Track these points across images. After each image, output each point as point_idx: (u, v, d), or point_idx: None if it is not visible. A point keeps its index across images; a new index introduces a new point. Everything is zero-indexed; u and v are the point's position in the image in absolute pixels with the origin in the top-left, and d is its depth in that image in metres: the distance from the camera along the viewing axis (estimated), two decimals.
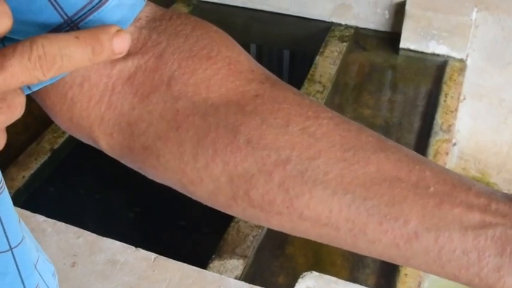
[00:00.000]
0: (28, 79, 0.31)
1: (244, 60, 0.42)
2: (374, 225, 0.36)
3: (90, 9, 0.37)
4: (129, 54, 0.40)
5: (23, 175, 1.60)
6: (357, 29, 2.13)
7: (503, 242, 0.33)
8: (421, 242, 0.35)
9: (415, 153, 0.38)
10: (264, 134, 0.38)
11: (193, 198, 0.41)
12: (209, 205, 0.41)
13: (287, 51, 2.26)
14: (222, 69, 0.40)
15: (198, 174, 0.39)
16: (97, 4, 0.37)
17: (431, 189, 0.35)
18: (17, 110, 0.33)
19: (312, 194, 0.37)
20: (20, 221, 0.46)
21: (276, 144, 0.37)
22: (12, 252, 0.43)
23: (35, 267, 0.49)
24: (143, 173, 0.43)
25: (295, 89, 0.41)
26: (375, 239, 0.36)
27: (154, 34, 0.41)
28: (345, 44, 2.09)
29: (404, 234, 0.35)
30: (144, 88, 0.40)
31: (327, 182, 0.36)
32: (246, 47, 2.29)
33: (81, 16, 0.37)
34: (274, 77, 0.42)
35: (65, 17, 0.37)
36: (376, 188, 0.36)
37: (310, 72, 1.97)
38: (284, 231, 0.40)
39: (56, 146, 1.70)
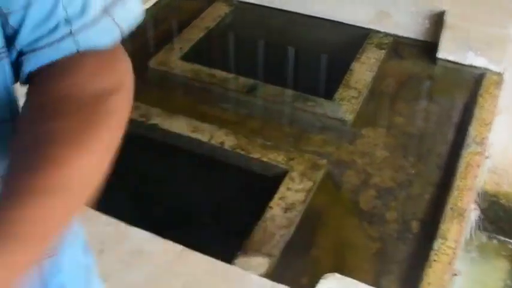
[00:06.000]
0: None
1: None
2: None
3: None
4: None
5: None
6: (395, 37, 2.13)
7: None
8: None
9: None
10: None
11: None
12: None
13: (324, 55, 2.27)
14: None
15: None
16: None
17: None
18: None
19: None
20: None
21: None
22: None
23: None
24: None
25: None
26: None
27: None
28: (382, 51, 2.09)
29: None
30: None
31: None
32: (283, 50, 2.30)
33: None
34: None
35: None
36: None
37: (346, 77, 1.97)
38: None
39: None
